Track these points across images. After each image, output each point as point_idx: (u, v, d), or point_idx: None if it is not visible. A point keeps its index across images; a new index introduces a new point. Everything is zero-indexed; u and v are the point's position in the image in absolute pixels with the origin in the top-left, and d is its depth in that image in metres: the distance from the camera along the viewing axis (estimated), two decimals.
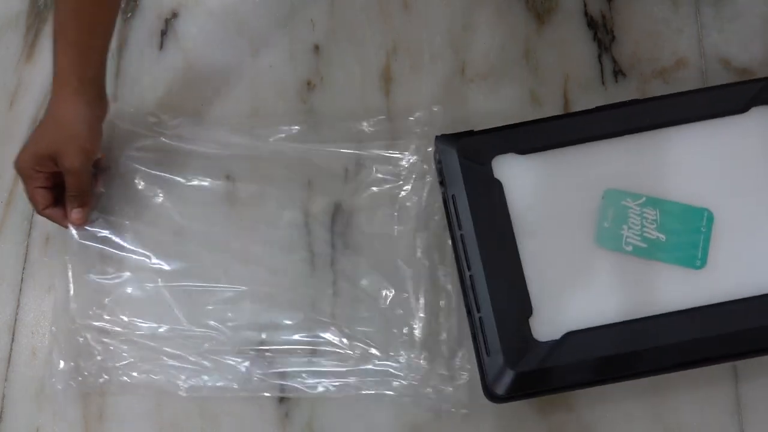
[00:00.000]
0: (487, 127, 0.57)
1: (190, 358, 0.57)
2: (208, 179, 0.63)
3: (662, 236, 0.52)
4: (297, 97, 0.66)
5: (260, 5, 0.69)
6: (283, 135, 0.63)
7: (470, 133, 0.57)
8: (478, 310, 0.51)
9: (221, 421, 0.57)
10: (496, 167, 0.55)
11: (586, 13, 0.67)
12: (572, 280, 0.52)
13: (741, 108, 0.55)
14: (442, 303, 0.58)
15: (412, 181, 0.61)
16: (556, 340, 0.50)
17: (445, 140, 0.56)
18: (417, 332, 0.57)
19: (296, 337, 0.58)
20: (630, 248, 0.52)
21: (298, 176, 0.62)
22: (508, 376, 0.49)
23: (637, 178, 0.54)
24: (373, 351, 0.56)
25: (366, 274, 0.59)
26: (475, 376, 0.53)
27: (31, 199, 0.59)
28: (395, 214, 0.60)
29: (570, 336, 0.50)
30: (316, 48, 0.67)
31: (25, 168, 0.57)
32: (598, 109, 0.56)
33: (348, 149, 0.62)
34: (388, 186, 0.61)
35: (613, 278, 0.52)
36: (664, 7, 0.66)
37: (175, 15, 0.70)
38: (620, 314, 0.51)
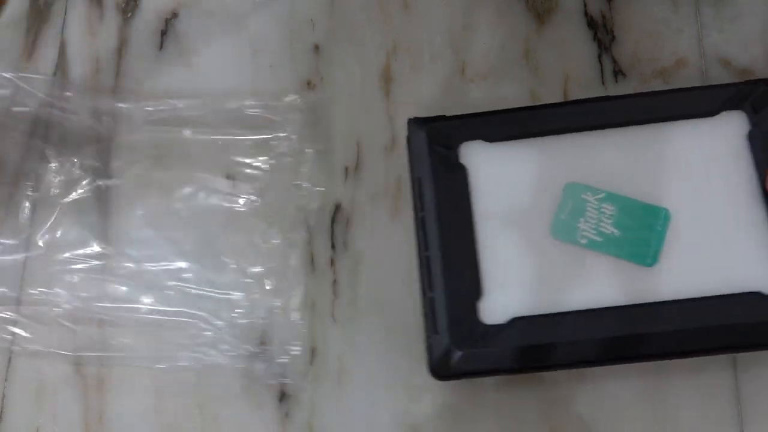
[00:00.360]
0: (460, 113, 0.58)
1: None
2: None
3: (617, 231, 0.53)
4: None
5: (260, 5, 0.70)
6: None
7: (442, 118, 0.58)
8: (431, 290, 0.52)
9: (221, 421, 0.57)
10: (463, 153, 0.56)
11: (586, 13, 0.67)
12: (524, 268, 0.53)
13: (712, 111, 0.55)
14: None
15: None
16: (502, 324, 0.51)
17: (416, 123, 0.58)
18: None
19: None
20: (584, 241, 0.53)
21: None
22: (452, 355, 0.51)
23: (601, 173, 0.55)
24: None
25: None
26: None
27: None
28: None
29: (516, 321, 0.51)
30: (316, 48, 0.67)
31: None
32: (569, 102, 0.57)
33: None
34: None
35: (564, 269, 0.53)
36: (664, 7, 0.66)
37: (175, 15, 0.70)
38: (567, 304, 0.52)
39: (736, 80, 0.62)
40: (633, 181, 0.55)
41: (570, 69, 0.65)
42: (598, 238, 0.53)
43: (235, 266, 0.60)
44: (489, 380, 0.57)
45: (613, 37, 0.66)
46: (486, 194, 0.55)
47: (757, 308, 0.50)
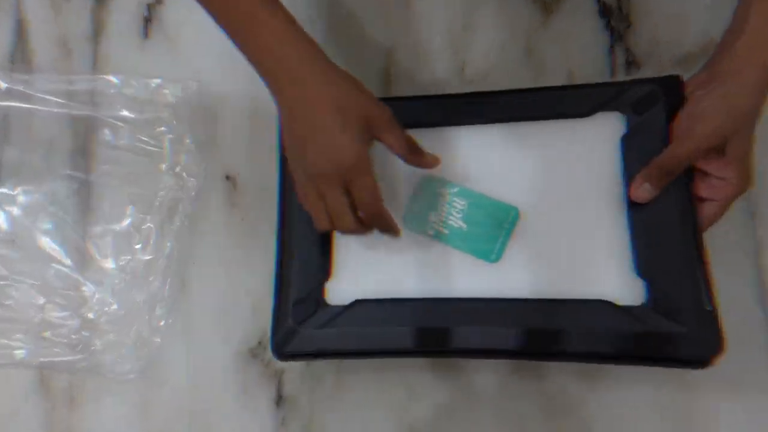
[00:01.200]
0: None
1: None
2: None
3: (465, 226, 0.53)
4: None
5: None
6: None
7: None
8: (282, 268, 0.54)
9: (217, 424, 0.59)
10: None
11: (598, 0, 0.63)
12: (372, 254, 0.54)
13: (586, 112, 0.53)
14: None
15: None
16: (344, 306, 0.52)
17: None
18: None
19: None
20: (432, 232, 0.54)
21: None
22: (294, 335, 0.52)
23: (462, 167, 0.55)
24: None
25: None
26: None
27: (377, 193, 0.49)
28: None
29: (357, 303, 0.52)
30: None
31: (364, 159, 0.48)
32: (448, 96, 0.56)
33: None
34: None
35: (410, 258, 0.53)
36: None
37: (159, 1, 0.70)
38: (410, 292, 0.52)
39: None
40: (494, 179, 0.54)
41: (575, 64, 0.61)
42: (445, 231, 0.54)
43: None
44: (488, 382, 0.57)
45: (629, 24, 0.62)
46: None
47: (605, 317, 0.48)
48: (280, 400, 0.59)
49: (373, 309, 0.52)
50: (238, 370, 0.60)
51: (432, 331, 0.50)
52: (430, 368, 0.58)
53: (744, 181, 0.47)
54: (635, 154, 0.51)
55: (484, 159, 0.54)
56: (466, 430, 0.57)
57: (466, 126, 0.55)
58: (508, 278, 0.51)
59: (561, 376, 0.56)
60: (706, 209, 0.48)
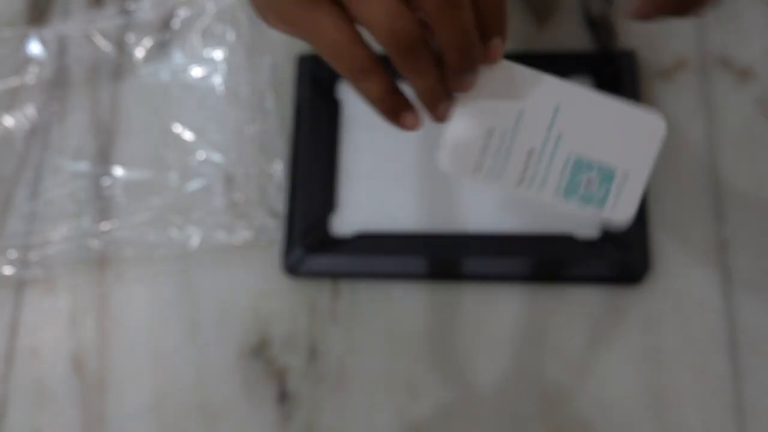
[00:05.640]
0: None
1: None
2: None
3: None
4: None
5: None
6: None
7: None
8: (293, 201, 0.60)
9: (221, 422, 0.58)
10: (340, 89, 0.64)
11: (585, 14, 0.67)
12: (373, 191, 0.61)
13: None
14: None
15: None
16: (347, 237, 0.59)
17: (303, 60, 0.64)
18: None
19: None
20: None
21: None
22: (303, 258, 0.59)
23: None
24: None
25: None
26: None
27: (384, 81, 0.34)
28: None
29: (359, 236, 0.59)
30: None
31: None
32: None
33: None
34: None
35: (410, 192, 0.60)
36: None
37: None
38: (408, 224, 0.59)
39: (738, 81, 0.62)
40: None
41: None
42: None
43: None
44: (488, 379, 0.57)
45: (615, 36, 0.66)
46: (354, 126, 0.62)
47: (567, 248, 0.57)
48: (282, 397, 0.58)
49: (372, 241, 0.59)
50: (241, 368, 0.59)
51: (426, 259, 0.59)
52: (432, 367, 0.58)
53: None
54: None
55: None
56: (467, 429, 0.56)
57: None
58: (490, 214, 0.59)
59: (559, 374, 0.57)
60: None
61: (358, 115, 0.63)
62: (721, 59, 0.64)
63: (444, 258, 0.59)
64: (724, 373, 0.57)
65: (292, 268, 0.59)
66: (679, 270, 0.59)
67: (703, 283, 0.59)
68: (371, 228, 0.59)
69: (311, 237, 0.59)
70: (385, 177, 0.61)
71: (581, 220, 0.58)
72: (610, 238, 0.57)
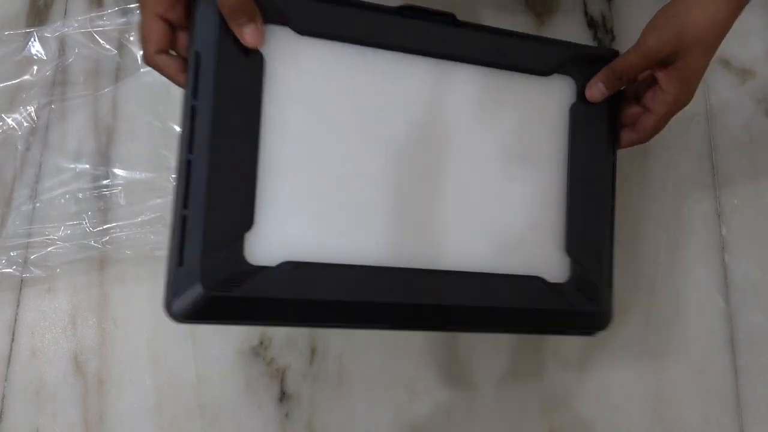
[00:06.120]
0: None
1: None
2: None
3: None
4: None
5: None
6: None
7: None
8: (185, 206, 0.39)
9: (221, 421, 0.57)
10: (265, 38, 0.42)
11: (586, 13, 0.67)
12: (315, 200, 0.42)
13: (546, 70, 0.49)
14: None
15: None
16: (270, 267, 0.40)
17: None
18: None
19: None
20: None
21: None
22: (197, 297, 0.39)
23: (391, 106, 0.45)
24: None
25: None
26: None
27: (145, 35, 0.42)
28: None
29: (287, 266, 0.40)
30: None
31: None
32: (409, 9, 0.45)
33: None
34: None
35: (355, 205, 0.42)
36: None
37: None
38: (349, 252, 0.42)
39: (738, 81, 0.62)
40: (430, 127, 0.46)
41: None
42: None
43: None
44: (489, 382, 0.57)
45: (613, 37, 0.66)
46: (284, 94, 0.42)
47: (536, 294, 0.46)
48: (283, 396, 0.58)
49: (309, 275, 0.40)
50: (241, 368, 0.58)
51: (364, 305, 0.42)
52: (431, 367, 0.58)
53: (681, 98, 0.48)
54: (580, 124, 0.50)
55: (433, 99, 0.46)
56: (466, 428, 0.56)
57: (435, 59, 0.46)
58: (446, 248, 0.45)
59: (559, 374, 0.57)
60: (645, 120, 0.50)
61: (289, 79, 0.42)
62: (721, 59, 0.64)
63: (402, 301, 0.43)
64: (724, 373, 0.57)
65: (184, 313, 0.39)
66: (680, 270, 0.59)
67: (703, 283, 0.59)
68: (304, 255, 0.41)
69: (215, 267, 0.39)
70: (328, 178, 0.42)
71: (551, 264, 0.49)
72: (578, 283, 0.48)
